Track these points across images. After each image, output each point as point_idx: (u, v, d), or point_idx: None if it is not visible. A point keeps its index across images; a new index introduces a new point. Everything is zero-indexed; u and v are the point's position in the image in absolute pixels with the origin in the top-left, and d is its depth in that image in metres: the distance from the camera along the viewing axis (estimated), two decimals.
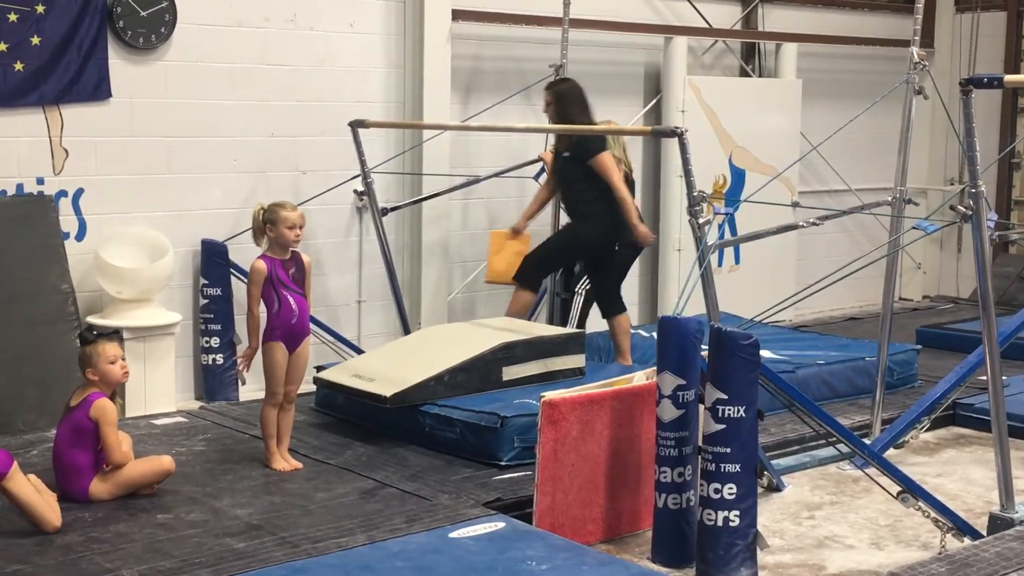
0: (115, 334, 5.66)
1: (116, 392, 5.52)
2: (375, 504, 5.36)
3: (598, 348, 7.85)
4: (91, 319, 7.06)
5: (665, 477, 5.03)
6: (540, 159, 8.35)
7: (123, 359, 5.51)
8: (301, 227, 5.89)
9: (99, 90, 7.25)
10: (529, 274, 7.68)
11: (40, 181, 7.13)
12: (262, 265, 5.82)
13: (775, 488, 6.02)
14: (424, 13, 8.36)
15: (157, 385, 7.15)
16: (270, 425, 5.91)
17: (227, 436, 6.46)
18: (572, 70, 8.38)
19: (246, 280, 5.97)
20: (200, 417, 6.86)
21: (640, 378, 5.55)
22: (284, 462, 5.90)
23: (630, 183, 7.90)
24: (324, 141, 8.13)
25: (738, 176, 10.04)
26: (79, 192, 7.27)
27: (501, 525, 5.00)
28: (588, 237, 7.56)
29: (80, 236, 7.29)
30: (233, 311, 7.60)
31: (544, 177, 8.25)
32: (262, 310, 5.87)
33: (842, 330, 9.65)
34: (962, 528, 5.27)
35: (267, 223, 5.84)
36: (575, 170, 7.47)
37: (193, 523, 5.08)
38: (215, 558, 4.66)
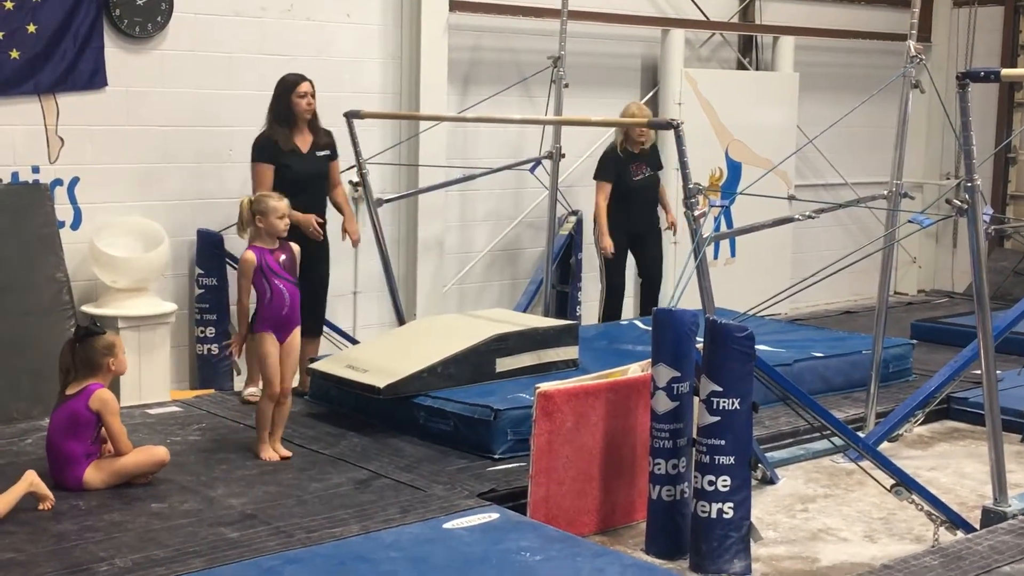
0: (97, 325, 5.64)
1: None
2: (369, 495, 5.36)
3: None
4: (86, 308, 7.05)
5: (659, 469, 5.03)
6: None
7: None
8: (287, 216, 5.95)
9: (95, 79, 7.23)
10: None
11: (35, 170, 7.11)
12: (252, 256, 5.83)
13: (769, 480, 6.02)
14: (421, 4, 8.35)
15: (152, 375, 7.14)
16: (265, 419, 5.90)
17: (221, 426, 6.45)
18: (569, 62, 8.36)
19: None
20: (194, 407, 6.85)
21: (635, 370, 5.55)
22: (273, 452, 5.89)
23: None
24: None
25: (734, 169, 10.03)
26: (74, 181, 7.26)
27: (495, 516, 5.00)
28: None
29: (75, 225, 7.28)
30: (228, 301, 7.58)
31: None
32: (252, 300, 5.87)
33: (837, 323, 9.65)
34: (955, 521, 5.28)
35: (256, 214, 5.85)
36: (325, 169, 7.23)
37: (187, 512, 5.08)
38: (209, 547, 4.66)
